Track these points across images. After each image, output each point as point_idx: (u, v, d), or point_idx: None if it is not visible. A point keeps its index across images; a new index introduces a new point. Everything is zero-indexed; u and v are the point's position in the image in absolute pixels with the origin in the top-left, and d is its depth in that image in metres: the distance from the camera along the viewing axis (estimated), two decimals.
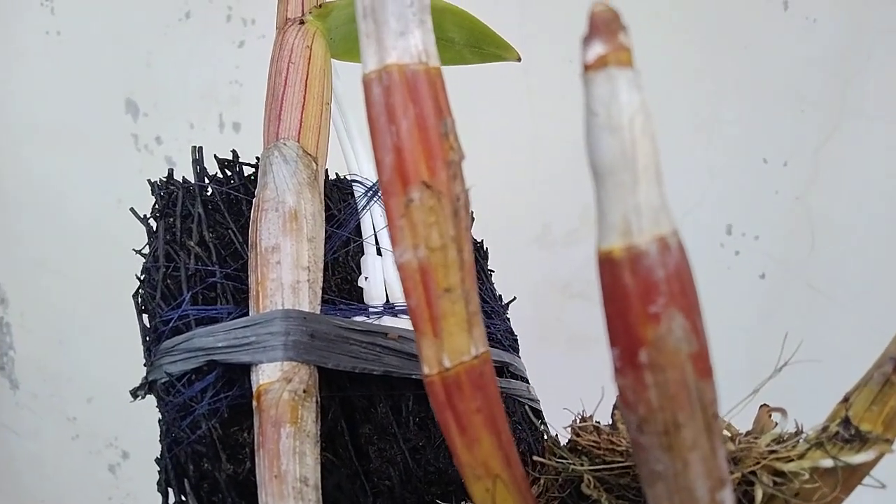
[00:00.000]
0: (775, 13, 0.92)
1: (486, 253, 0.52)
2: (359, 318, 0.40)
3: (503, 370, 0.46)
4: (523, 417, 0.45)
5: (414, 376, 0.40)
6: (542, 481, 0.36)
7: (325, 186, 0.41)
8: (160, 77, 1.03)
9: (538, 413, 0.47)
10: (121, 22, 1.02)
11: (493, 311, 0.48)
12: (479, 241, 0.52)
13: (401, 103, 0.26)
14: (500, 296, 0.51)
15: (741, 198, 0.97)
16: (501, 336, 0.47)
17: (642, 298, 0.21)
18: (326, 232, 0.40)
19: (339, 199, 0.45)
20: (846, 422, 0.31)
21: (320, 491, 0.33)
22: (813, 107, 0.94)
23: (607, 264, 0.22)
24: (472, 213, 0.44)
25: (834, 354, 0.65)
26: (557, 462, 0.35)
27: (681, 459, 0.23)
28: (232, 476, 0.34)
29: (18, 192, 1.10)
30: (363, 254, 0.44)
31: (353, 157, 0.46)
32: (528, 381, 0.48)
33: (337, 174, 0.46)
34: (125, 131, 1.05)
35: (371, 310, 0.42)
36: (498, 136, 0.97)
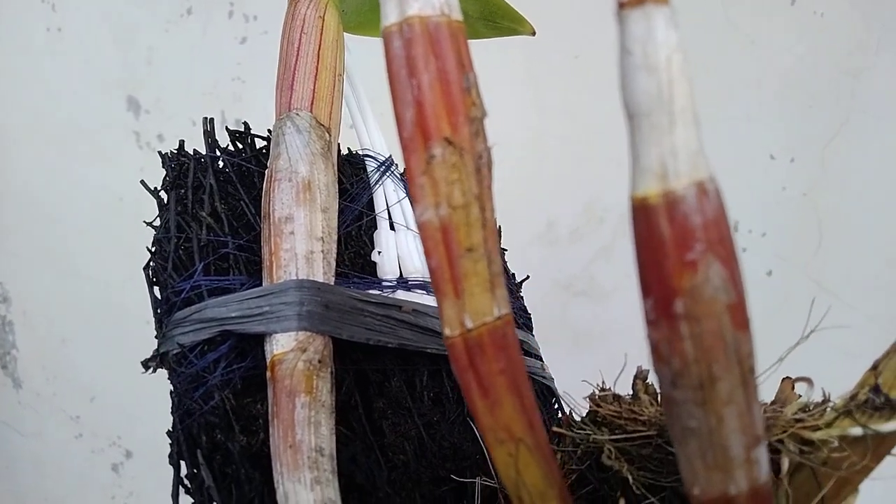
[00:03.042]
0: (782, 7, 0.92)
1: (499, 230, 0.51)
2: (373, 292, 0.40)
3: None
4: (537, 395, 0.44)
5: (428, 350, 0.39)
6: (559, 455, 0.35)
7: (337, 161, 0.41)
8: (162, 74, 1.03)
9: (552, 391, 0.46)
10: (122, 18, 1.01)
11: (507, 288, 0.47)
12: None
13: (422, 56, 0.25)
14: (513, 274, 0.50)
15: (748, 194, 0.96)
16: (515, 314, 0.46)
17: (679, 245, 0.20)
18: (339, 206, 0.39)
19: (351, 173, 0.44)
20: (876, 389, 0.30)
21: (335, 461, 0.33)
22: (820, 103, 0.93)
23: (642, 210, 0.21)
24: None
25: (840, 352, 0.64)
26: (576, 433, 0.35)
27: (715, 415, 0.22)
28: (245, 447, 0.33)
29: (20, 190, 1.09)
30: (376, 228, 0.43)
31: (365, 133, 0.46)
32: (542, 359, 0.47)
33: (349, 149, 0.46)
34: (127, 129, 1.04)
35: (385, 283, 0.41)
36: (502, 133, 0.96)
